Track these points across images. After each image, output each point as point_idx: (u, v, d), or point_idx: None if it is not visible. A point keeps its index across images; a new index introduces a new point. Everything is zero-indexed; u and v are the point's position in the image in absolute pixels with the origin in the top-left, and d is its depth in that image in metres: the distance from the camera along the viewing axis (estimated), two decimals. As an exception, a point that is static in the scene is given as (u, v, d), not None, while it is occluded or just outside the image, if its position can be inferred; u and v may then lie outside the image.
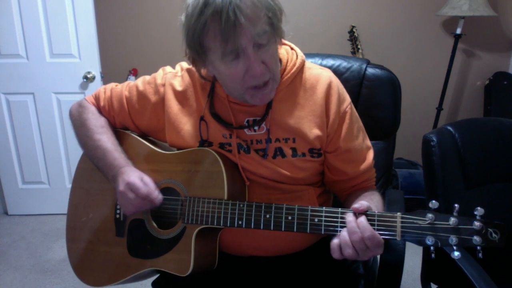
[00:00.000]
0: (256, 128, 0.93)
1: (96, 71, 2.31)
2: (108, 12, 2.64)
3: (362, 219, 0.76)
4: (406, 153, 2.67)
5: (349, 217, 0.78)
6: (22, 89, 2.34)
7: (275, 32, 0.81)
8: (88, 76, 2.29)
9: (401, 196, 1.31)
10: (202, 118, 0.95)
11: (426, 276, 1.23)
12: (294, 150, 0.92)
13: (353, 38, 2.54)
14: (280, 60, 0.93)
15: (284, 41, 0.97)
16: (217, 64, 0.83)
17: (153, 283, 1.05)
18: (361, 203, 0.77)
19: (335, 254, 0.77)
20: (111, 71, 2.64)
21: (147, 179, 0.92)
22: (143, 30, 2.69)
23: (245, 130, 0.93)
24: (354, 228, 0.75)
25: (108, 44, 2.65)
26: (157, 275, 1.05)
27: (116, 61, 2.73)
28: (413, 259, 1.76)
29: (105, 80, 2.42)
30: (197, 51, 0.82)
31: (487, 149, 1.19)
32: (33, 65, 2.29)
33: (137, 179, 0.90)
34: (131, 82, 1.06)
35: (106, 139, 1.01)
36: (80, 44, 2.26)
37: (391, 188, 1.36)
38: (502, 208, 1.18)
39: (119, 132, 1.07)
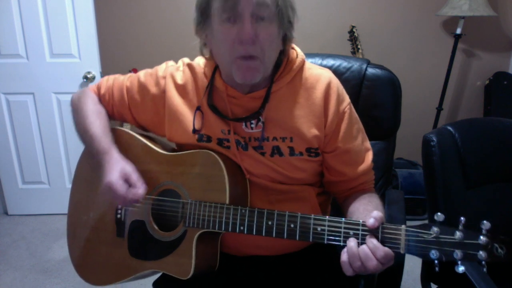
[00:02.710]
0: (253, 125, 0.92)
1: (96, 71, 2.31)
2: (108, 12, 2.64)
3: (374, 241, 0.74)
4: (406, 153, 2.67)
5: (351, 242, 0.75)
6: (22, 89, 2.34)
7: (279, 14, 0.82)
8: (88, 76, 2.29)
9: (401, 196, 1.30)
10: (198, 108, 0.95)
11: (426, 276, 1.23)
12: (291, 149, 0.92)
13: (353, 38, 2.54)
14: (280, 60, 0.92)
15: None
16: (215, 28, 0.84)
17: (154, 283, 1.05)
18: (375, 218, 0.75)
19: (348, 272, 0.75)
20: (111, 71, 2.60)
21: (129, 171, 0.91)
22: (143, 30, 2.69)
23: (243, 127, 0.93)
24: (355, 255, 0.74)
25: (108, 44, 2.65)
26: (158, 275, 1.05)
27: (116, 61, 2.73)
28: (413, 259, 1.74)
29: (105, 80, 2.42)
30: (202, 11, 0.85)
31: (487, 149, 1.19)
32: (33, 65, 2.29)
33: (115, 176, 0.88)
34: (134, 74, 1.06)
35: (97, 124, 1.00)
36: (80, 44, 2.26)
37: (391, 188, 1.36)
38: (502, 208, 1.18)
39: (119, 131, 1.07)
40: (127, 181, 0.90)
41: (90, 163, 1.03)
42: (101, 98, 1.07)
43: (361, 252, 0.73)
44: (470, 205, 1.14)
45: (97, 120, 1.01)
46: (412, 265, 1.91)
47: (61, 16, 2.21)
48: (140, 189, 0.89)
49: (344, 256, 0.75)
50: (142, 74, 1.03)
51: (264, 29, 0.81)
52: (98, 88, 1.08)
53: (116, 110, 1.06)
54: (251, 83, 0.87)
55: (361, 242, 0.76)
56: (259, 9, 0.79)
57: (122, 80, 1.06)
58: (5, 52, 2.26)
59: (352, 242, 0.75)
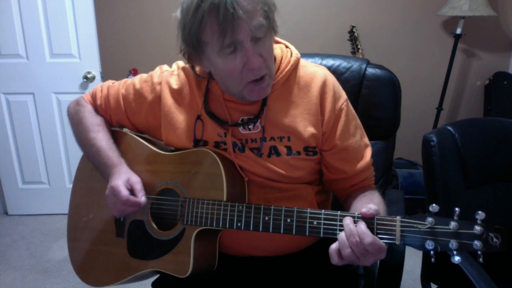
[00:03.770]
0: (251, 127, 0.93)
1: (96, 71, 2.31)
2: (108, 12, 2.64)
3: (362, 225, 0.74)
4: (406, 153, 2.67)
5: (347, 220, 0.76)
6: (22, 89, 2.34)
7: (270, 26, 0.82)
8: (88, 76, 2.29)
9: (401, 196, 1.30)
10: (199, 117, 0.95)
11: (426, 276, 1.23)
12: (289, 148, 0.92)
13: (353, 38, 2.54)
14: (275, 58, 0.92)
15: (279, 39, 0.97)
16: (214, 59, 0.82)
17: (153, 284, 1.05)
18: (369, 207, 0.76)
19: (334, 260, 0.75)
20: (111, 71, 2.64)
21: (135, 180, 0.94)
22: (143, 30, 2.69)
23: (240, 129, 0.93)
24: (353, 231, 0.74)
25: (108, 44, 2.65)
26: (157, 276, 1.05)
27: (116, 61, 2.73)
28: (413, 259, 1.76)
29: (105, 80, 2.41)
30: (193, 46, 0.82)
31: (487, 149, 1.19)
32: (33, 65, 2.29)
33: (121, 182, 0.91)
34: (128, 80, 1.06)
35: (100, 137, 1.01)
36: (80, 44, 2.26)
37: (391, 188, 1.36)
38: (502, 208, 1.18)
39: (118, 132, 1.07)
40: (131, 190, 0.92)
41: (91, 166, 1.04)
42: (98, 108, 1.08)
43: (351, 238, 0.73)
44: (470, 205, 1.14)
45: (99, 133, 1.02)
46: (412, 265, 1.91)
47: (61, 16, 2.21)
48: (140, 199, 0.92)
49: (334, 244, 0.75)
50: (137, 80, 1.03)
51: (264, 46, 0.82)
52: (93, 98, 1.08)
53: (114, 118, 1.07)
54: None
55: None
56: (256, 32, 0.79)
57: (117, 88, 1.05)
58: (5, 52, 2.26)
59: (343, 233, 0.75)
